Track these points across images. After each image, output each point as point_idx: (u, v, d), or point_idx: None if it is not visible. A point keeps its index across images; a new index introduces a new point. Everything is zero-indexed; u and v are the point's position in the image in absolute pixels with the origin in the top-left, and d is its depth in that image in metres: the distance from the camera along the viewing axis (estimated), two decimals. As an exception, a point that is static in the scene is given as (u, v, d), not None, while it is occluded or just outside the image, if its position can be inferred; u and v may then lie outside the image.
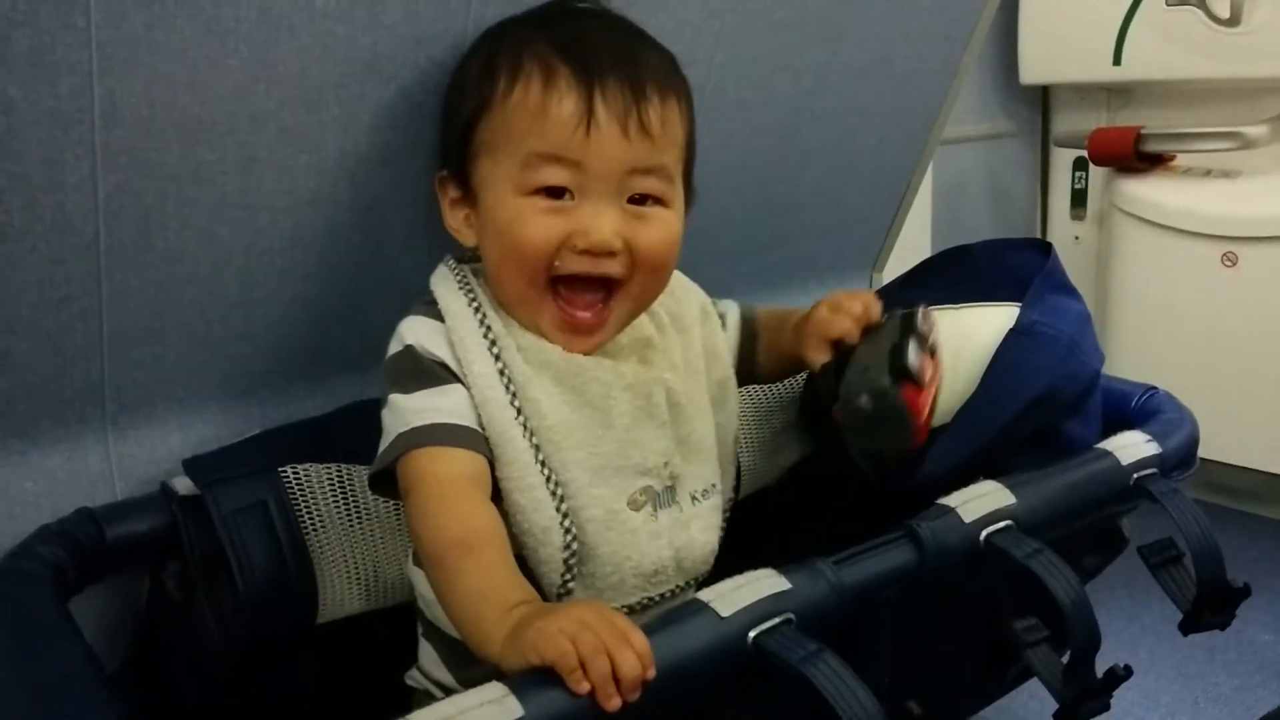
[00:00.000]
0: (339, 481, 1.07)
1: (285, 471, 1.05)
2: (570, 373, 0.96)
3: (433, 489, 0.89)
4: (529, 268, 0.94)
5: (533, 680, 0.71)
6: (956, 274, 1.32)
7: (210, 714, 1.05)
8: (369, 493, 1.02)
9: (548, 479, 0.93)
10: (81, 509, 1.01)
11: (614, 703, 0.70)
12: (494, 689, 0.70)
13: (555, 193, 0.93)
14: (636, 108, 0.92)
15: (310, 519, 1.05)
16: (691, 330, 1.08)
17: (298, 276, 1.07)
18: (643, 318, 1.04)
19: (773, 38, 1.26)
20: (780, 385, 1.39)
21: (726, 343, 1.13)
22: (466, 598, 0.83)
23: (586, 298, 0.96)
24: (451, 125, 0.99)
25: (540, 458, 0.93)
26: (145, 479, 1.07)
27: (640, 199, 0.95)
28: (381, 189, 1.06)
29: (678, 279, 1.10)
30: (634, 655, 0.71)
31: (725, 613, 0.80)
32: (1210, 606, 1.05)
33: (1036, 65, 2.51)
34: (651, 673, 0.72)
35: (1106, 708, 0.96)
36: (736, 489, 1.15)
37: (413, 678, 1.04)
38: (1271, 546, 2.16)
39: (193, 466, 1.04)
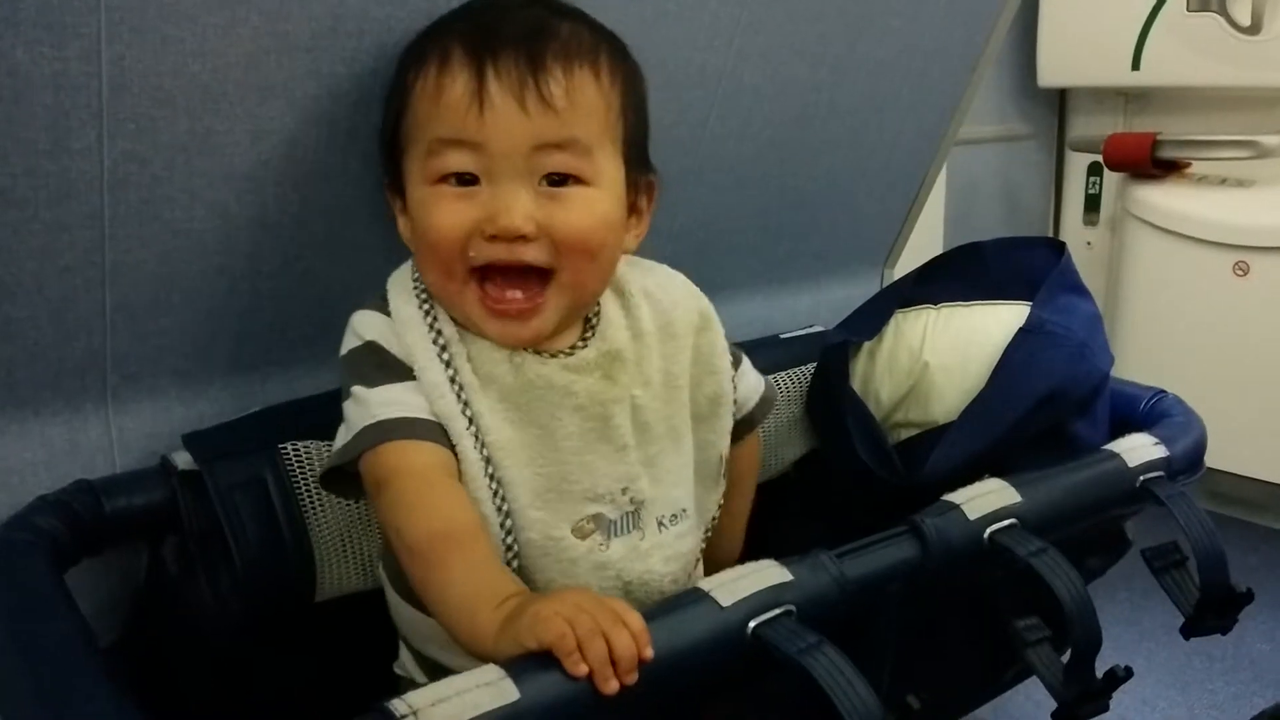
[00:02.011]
0: (339, 460, 1.06)
1: (285, 448, 1.04)
2: (515, 389, 0.92)
3: (408, 483, 0.86)
4: (441, 257, 0.89)
5: (529, 663, 0.70)
6: (967, 271, 1.32)
7: (206, 690, 1.05)
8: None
9: (495, 493, 0.90)
10: (80, 481, 1.00)
11: (611, 685, 0.69)
12: (490, 671, 0.70)
13: (463, 178, 0.88)
14: (534, 79, 0.86)
15: (309, 497, 1.04)
16: (681, 339, 1.01)
17: (306, 252, 1.06)
18: (618, 324, 0.99)
19: (792, 27, 1.25)
20: (786, 379, 1.38)
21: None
22: (456, 595, 0.80)
23: (515, 286, 0.90)
24: (384, 130, 0.96)
25: (489, 470, 0.90)
26: (145, 452, 1.06)
27: (559, 179, 0.89)
28: (391, 166, 1.05)
29: (679, 281, 1.05)
30: (629, 636, 0.70)
31: (726, 602, 0.79)
32: (1213, 610, 1.05)
33: (1055, 68, 2.51)
34: (648, 653, 0.71)
35: (1106, 709, 0.95)
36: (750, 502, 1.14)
37: (401, 667, 1.02)
38: (1272, 556, 2.16)
39: (193, 441, 1.03)
